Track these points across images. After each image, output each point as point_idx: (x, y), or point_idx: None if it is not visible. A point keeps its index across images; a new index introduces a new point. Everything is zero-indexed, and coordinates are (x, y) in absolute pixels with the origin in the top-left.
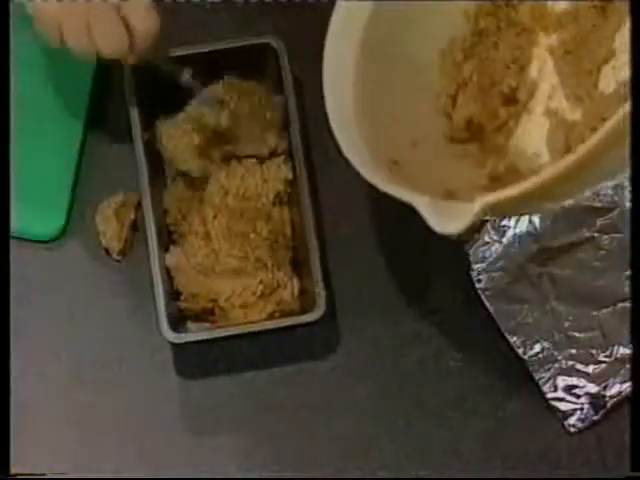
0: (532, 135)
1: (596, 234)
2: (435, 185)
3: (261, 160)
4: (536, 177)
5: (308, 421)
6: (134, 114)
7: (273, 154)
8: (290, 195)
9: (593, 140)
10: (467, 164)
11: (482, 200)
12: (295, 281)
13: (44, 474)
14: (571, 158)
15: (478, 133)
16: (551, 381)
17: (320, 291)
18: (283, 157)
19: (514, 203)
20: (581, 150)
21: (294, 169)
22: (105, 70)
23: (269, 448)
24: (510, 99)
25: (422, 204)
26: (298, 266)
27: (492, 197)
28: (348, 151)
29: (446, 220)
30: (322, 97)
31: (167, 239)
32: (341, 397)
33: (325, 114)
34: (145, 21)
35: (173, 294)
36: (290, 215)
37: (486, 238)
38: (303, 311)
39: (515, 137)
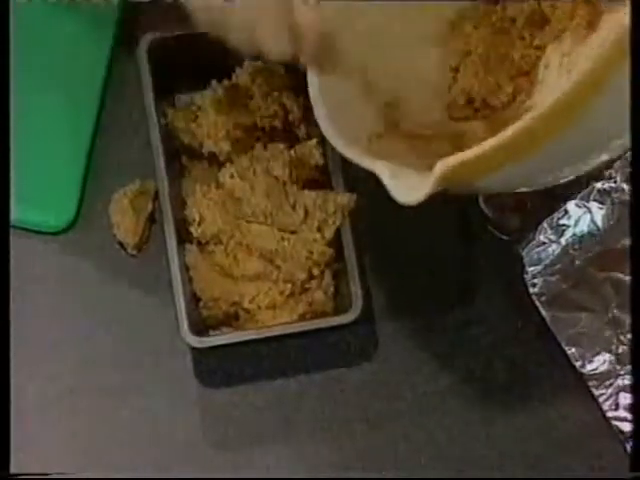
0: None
1: None
2: (419, 161)
3: (290, 144)
4: (494, 139)
5: (340, 434)
6: (149, 96)
7: (304, 138)
8: (321, 184)
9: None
10: (467, 142)
11: (443, 164)
12: (329, 279)
13: (46, 474)
14: (533, 116)
15: (482, 110)
16: (612, 398)
17: (357, 291)
18: (315, 140)
19: (480, 170)
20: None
21: (325, 155)
22: (119, 52)
23: (296, 463)
24: (521, 71)
25: (384, 171)
26: (331, 263)
27: (453, 159)
28: (322, 119)
29: (406, 189)
30: None
31: (187, 234)
32: (376, 409)
33: None
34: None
35: (194, 296)
36: None
37: (542, 238)
38: (337, 313)
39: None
